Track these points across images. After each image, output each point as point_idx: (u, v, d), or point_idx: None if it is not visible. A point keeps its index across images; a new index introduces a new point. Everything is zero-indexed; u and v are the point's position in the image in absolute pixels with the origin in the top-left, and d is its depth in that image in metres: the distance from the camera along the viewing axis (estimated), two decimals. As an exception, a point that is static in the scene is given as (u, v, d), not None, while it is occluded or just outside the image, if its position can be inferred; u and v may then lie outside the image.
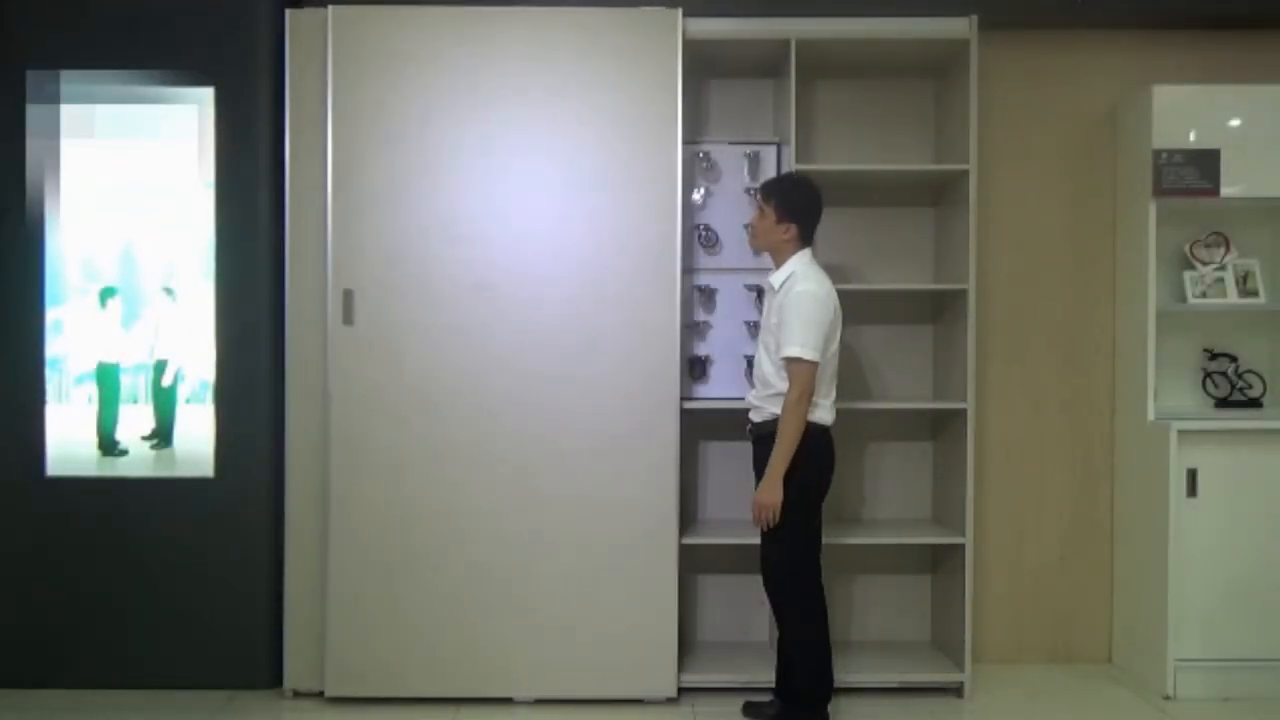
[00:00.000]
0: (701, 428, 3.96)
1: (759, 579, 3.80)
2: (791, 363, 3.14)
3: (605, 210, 3.56)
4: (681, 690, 3.60)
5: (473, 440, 3.54)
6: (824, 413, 3.25)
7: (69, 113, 3.71)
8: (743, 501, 3.93)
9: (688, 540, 3.63)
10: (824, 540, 3.70)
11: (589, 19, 3.56)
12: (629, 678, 3.57)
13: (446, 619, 3.54)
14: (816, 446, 3.23)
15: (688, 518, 3.86)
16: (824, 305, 3.18)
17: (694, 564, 3.90)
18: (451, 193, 3.55)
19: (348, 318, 3.53)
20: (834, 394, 3.29)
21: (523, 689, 3.57)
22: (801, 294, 3.17)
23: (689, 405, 3.70)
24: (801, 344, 3.13)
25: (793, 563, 3.25)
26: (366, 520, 3.54)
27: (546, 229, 3.56)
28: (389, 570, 3.54)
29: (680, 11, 3.57)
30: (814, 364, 3.14)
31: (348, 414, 3.54)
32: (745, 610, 4.02)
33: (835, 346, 3.27)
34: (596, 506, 3.56)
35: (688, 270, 3.85)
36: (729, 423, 3.85)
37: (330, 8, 3.54)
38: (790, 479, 3.15)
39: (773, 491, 3.15)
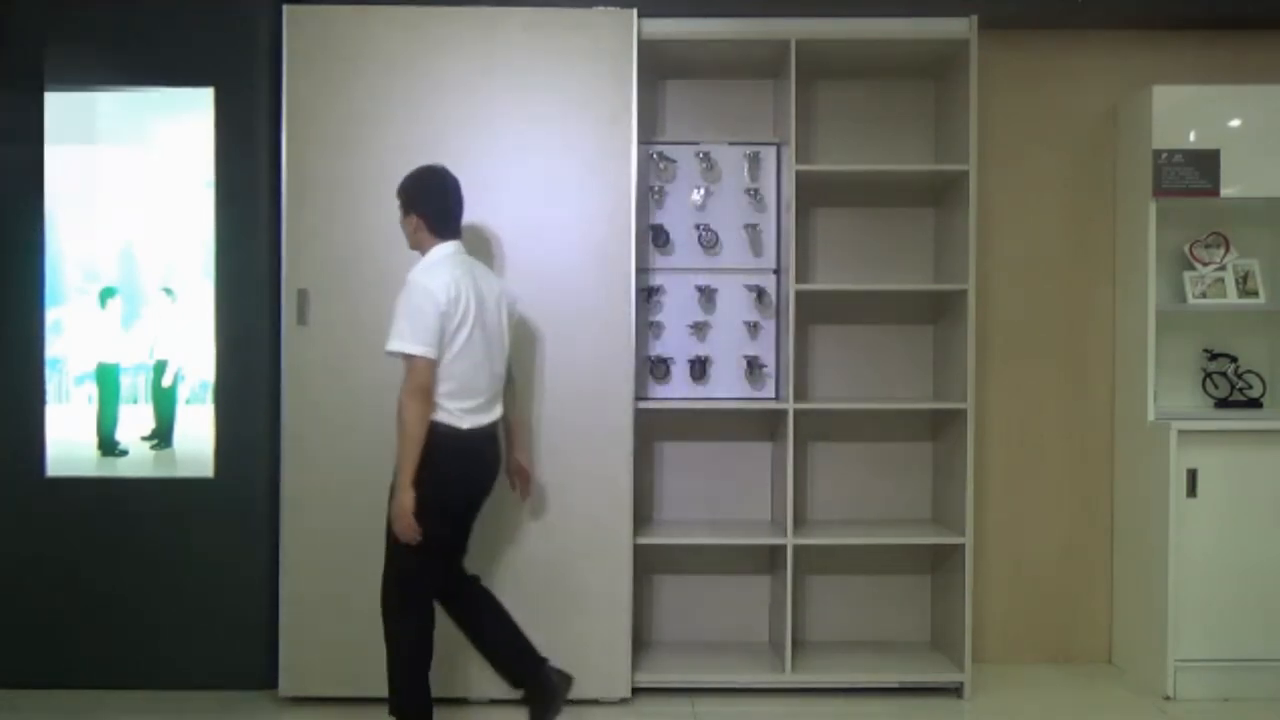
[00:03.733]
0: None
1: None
2: (401, 358, 2.90)
3: (559, 209, 3.56)
4: (636, 690, 3.60)
5: None
6: (455, 417, 2.97)
7: (69, 116, 3.72)
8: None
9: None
10: (824, 541, 3.72)
11: (544, 19, 3.56)
12: (583, 677, 3.50)
13: None
14: (445, 452, 2.94)
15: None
16: (432, 297, 2.90)
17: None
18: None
19: (302, 318, 3.52)
20: (482, 400, 3.03)
21: (477, 689, 3.56)
22: (409, 284, 2.95)
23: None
24: (408, 338, 2.88)
25: (403, 571, 3.02)
26: (316, 518, 3.53)
27: (499, 228, 3.55)
28: (343, 570, 3.51)
29: (635, 12, 3.57)
30: (426, 359, 2.88)
31: (301, 414, 3.52)
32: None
33: (476, 349, 2.99)
34: (550, 506, 3.55)
35: (691, 270, 3.90)
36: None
37: (285, 8, 3.54)
38: (417, 485, 2.90)
39: (400, 498, 2.90)
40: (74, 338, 3.73)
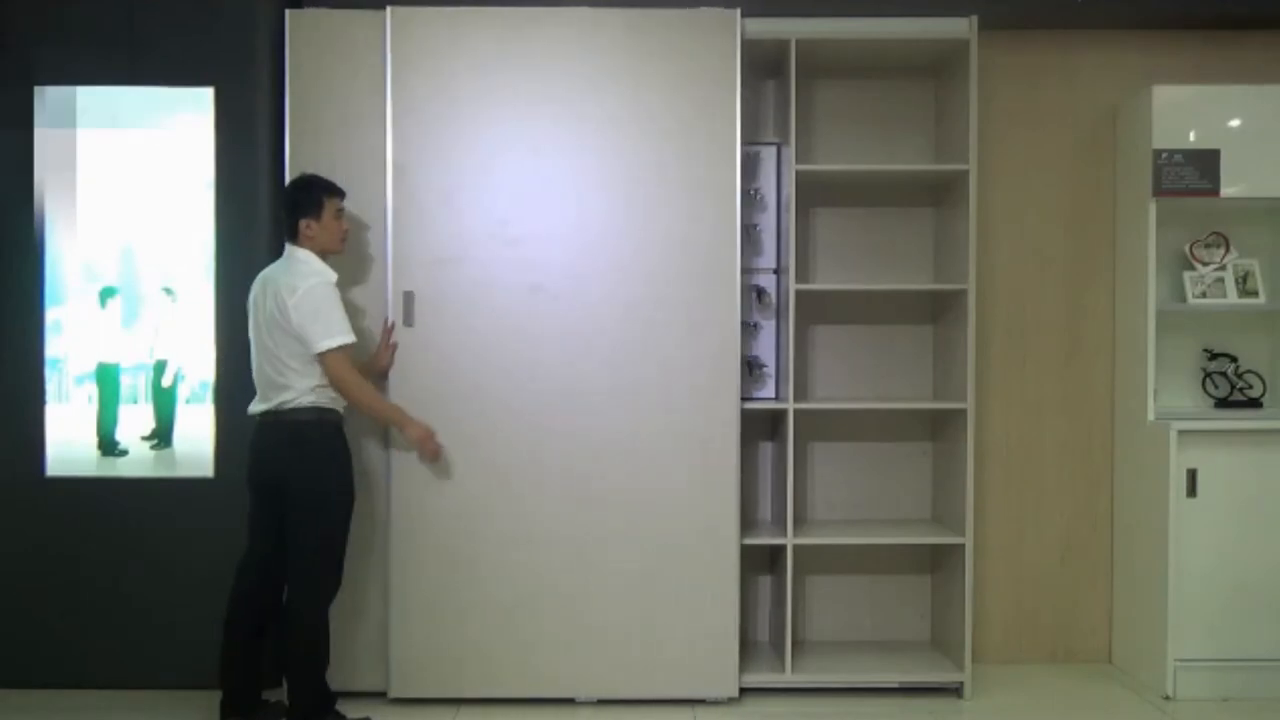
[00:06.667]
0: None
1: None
2: None
3: (661, 211, 3.55)
4: (743, 690, 3.60)
5: (530, 441, 3.54)
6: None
7: (67, 114, 3.72)
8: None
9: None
10: (824, 541, 3.73)
11: (644, 20, 3.55)
12: (690, 678, 3.57)
13: (505, 621, 3.54)
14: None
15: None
16: None
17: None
18: (505, 193, 3.54)
19: (408, 320, 3.53)
20: (258, 390, 3.27)
21: (584, 690, 3.57)
22: None
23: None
24: None
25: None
26: (425, 522, 3.54)
27: (602, 229, 3.55)
28: (448, 572, 3.53)
29: (739, 12, 3.55)
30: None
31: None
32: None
33: (251, 345, 3.29)
34: (656, 507, 3.55)
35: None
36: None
37: (388, 9, 3.54)
38: None
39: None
40: (74, 338, 3.73)
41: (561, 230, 3.55)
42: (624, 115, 3.55)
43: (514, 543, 3.54)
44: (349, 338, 3.19)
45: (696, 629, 3.56)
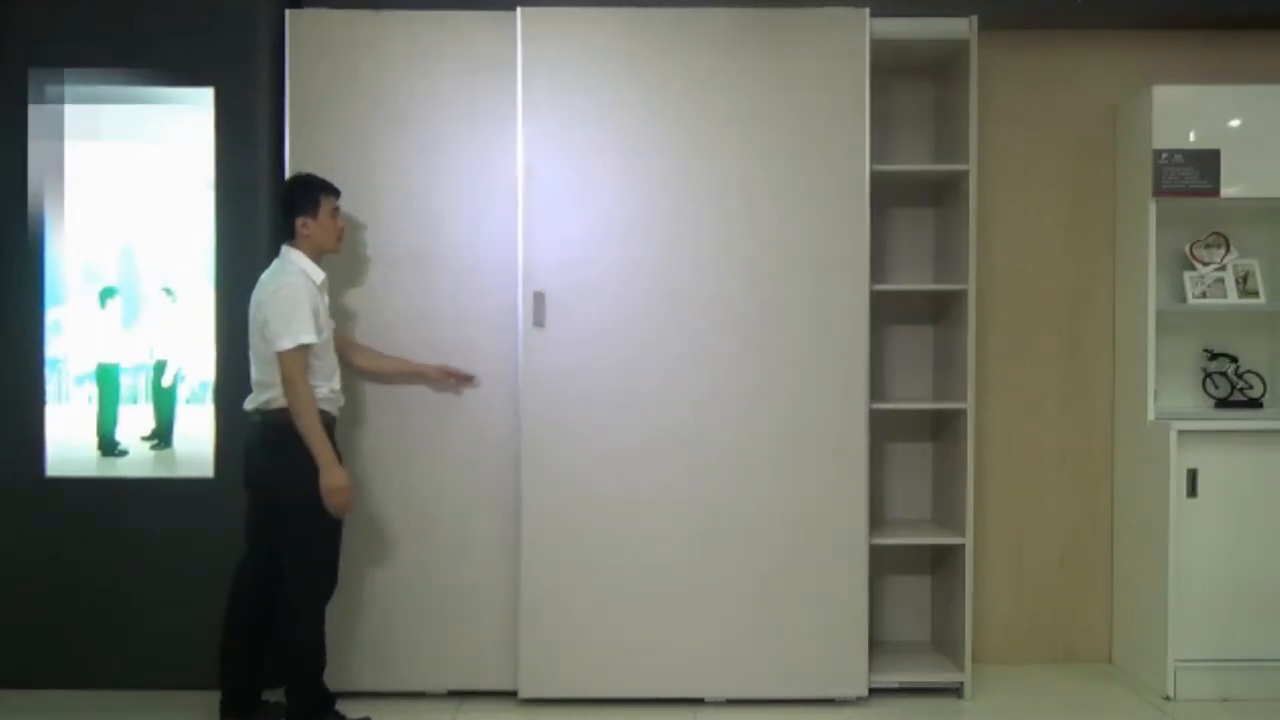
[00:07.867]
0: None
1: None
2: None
3: (790, 212, 3.54)
4: (872, 690, 3.61)
5: (657, 442, 3.54)
6: None
7: (70, 113, 3.72)
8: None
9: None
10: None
11: (771, 19, 3.54)
12: (819, 678, 3.58)
13: (635, 621, 3.55)
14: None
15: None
16: None
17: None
18: (632, 194, 3.53)
19: (539, 320, 3.52)
20: (251, 387, 3.28)
21: (713, 689, 3.58)
22: None
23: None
24: None
25: None
26: (553, 523, 3.54)
27: (730, 230, 3.54)
28: (576, 574, 3.54)
29: (867, 11, 3.54)
30: None
31: (535, 417, 3.53)
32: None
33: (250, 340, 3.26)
34: (785, 507, 3.55)
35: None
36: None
37: (519, 9, 3.54)
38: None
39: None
40: (74, 338, 3.73)
41: (689, 231, 3.54)
42: (752, 115, 3.54)
43: (643, 543, 3.55)
44: (309, 338, 3.12)
45: (825, 629, 3.56)
